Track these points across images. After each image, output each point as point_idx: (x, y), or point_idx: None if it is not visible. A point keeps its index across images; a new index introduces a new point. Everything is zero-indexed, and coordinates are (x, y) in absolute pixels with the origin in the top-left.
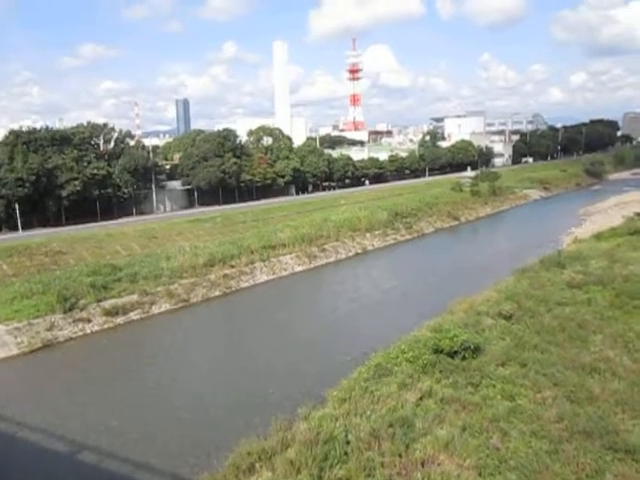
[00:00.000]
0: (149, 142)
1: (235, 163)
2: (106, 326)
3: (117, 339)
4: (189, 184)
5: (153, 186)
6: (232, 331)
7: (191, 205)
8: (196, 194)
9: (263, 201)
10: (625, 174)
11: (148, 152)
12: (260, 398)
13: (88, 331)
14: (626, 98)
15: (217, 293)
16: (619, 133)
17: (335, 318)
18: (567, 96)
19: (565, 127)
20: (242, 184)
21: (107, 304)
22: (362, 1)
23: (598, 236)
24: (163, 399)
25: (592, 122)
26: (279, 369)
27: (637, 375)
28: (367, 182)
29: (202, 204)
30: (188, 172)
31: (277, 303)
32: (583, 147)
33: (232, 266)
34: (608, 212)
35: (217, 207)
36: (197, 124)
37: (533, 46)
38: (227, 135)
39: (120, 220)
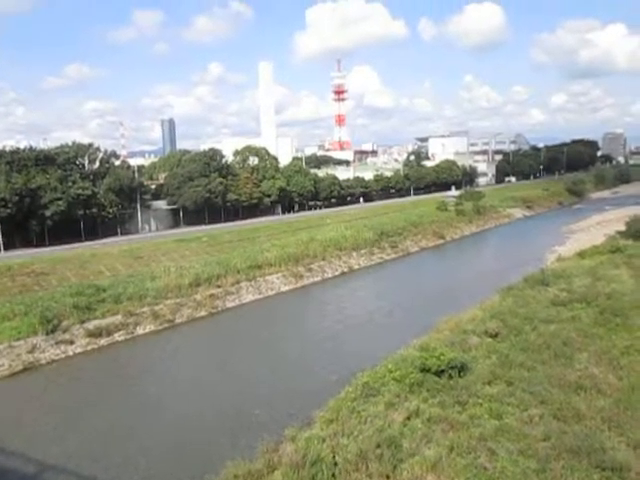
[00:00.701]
0: (134, 162)
1: (221, 183)
2: (89, 348)
3: (100, 361)
4: (175, 204)
5: (138, 206)
6: (218, 352)
7: (177, 225)
8: (182, 214)
9: (249, 220)
10: (606, 193)
11: (133, 172)
12: (246, 419)
13: (71, 353)
14: (605, 119)
15: (203, 313)
16: (599, 153)
17: (322, 337)
18: (548, 116)
19: (547, 147)
20: (228, 204)
21: (91, 325)
22: (346, 23)
23: (581, 254)
24: (147, 422)
25: (573, 142)
26: (265, 389)
27: (622, 392)
28: (362, 200)
29: (188, 224)
30: (174, 192)
31: (263, 323)
32: (565, 166)
33: (218, 286)
34: (590, 230)
35: (203, 227)
36: (183, 144)
37: (514, 68)
38: (213, 155)
39: (105, 240)
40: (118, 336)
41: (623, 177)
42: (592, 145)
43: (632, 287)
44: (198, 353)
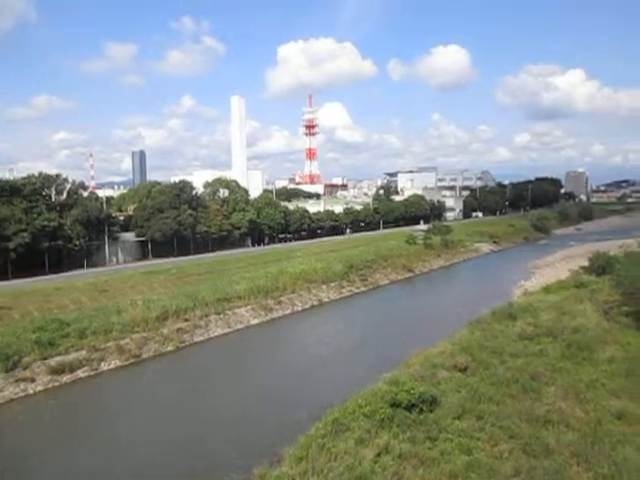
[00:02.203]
0: (103, 193)
1: (191, 215)
2: (51, 385)
3: (62, 400)
4: (143, 236)
5: (106, 238)
6: (184, 388)
7: (145, 257)
8: (150, 246)
9: (219, 253)
10: (570, 229)
11: (102, 203)
12: (214, 458)
13: (31, 391)
14: (567, 158)
15: (170, 348)
16: (562, 190)
17: (291, 373)
18: (513, 155)
19: (512, 184)
20: (198, 236)
21: (53, 361)
22: (316, 61)
23: (547, 289)
24: (109, 465)
25: (537, 180)
26: (233, 427)
27: (589, 426)
28: (348, 230)
29: (156, 256)
30: (143, 223)
31: (232, 358)
32: (530, 203)
33: (186, 319)
34: (555, 266)
35: (172, 259)
36: (153, 176)
37: (480, 108)
38: (183, 187)
39: (70, 273)
40: (82, 372)
41: (586, 214)
42: (556, 183)
43: (596, 321)
44: (164, 390)
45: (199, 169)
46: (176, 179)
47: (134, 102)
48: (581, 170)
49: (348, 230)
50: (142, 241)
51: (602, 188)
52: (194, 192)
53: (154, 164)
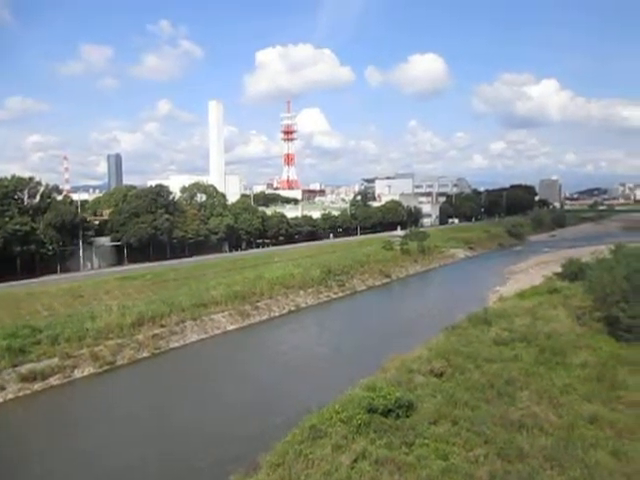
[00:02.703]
0: (78, 197)
1: (167, 219)
2: (22, 393)
3: (33, 408)
4: (119, 240)
5: (80, 242)
6: (159, 396)
7: (120, 262)
8: (126, 251)
9: (196, 258)
10: (544, 236)
11: (76, 207)
12: (190, 466)
13: (1, 400)
14: (541, 166)
15: (145, 354)
16: (536, 198)
17: (268, 379)
18: (488, 162)
19: (488, 191)
20: (174, 240)
21: (24, 369)
22: (295, 67)
23: (521, 294)
24: (79, 476)
25: (512, 187)
26: (210, 434)
27: (562, 431)
28: (331, 235)
29: (132, 261)
30: (118, 228)
31: (207, 365)
32: (505, 210)
33: (162, 325)
34: (529, 271)
35: (148, 264)
36: (129, 180)
37: (456, 115)
38: (160, 191)
39: (43, 278)
40: (54, 380)
41: (559, 221)
42: (530, 190)
43: (569, 327)
44: (139, 398)
45: (176, 173)
46: (153, 183)
47: (110, 105)
48: (554, 178)
49: (331, 235)
50: (117, 246)
51: (575, 196)
52: (171, 197)
53: (130, 168)
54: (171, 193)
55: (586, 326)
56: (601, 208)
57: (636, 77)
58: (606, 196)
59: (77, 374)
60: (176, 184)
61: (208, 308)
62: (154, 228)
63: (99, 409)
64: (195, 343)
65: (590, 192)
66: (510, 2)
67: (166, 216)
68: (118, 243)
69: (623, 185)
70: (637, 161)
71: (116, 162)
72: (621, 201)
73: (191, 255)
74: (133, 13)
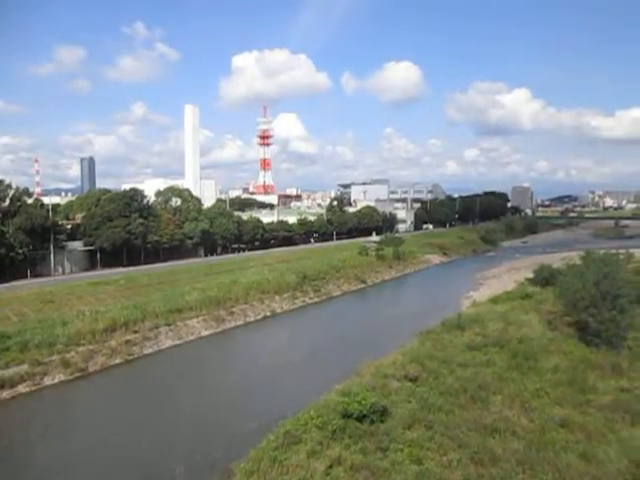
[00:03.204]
0: (49, 200)
1: (142, 224)
2: None
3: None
4: (92, 245)
5: (52, 246)
6: (132, 402)
7: (93, 267)
8: (99, 255)
9: (170, 263)
10: (516, 242)
11: (47, 211)
12: (164, 473)
13: None
14: (513, 173)
15: (118, 361)
16: (509, 204)
17: (243, 385)
18: (462, 169)
19: (462, 197)
20: (148, 245)
21: None
22: (271, 72)
23: (494, 300)
24: None
25: (485, 193)
26: (184, 441)
27: (534, 434)
28: (312, 240)
29: (105, 266)
30: (91, 232)
31: (181, 371)
32: (478, 216)
33: (135, 331)
34: (502, 277)
35: (121, 269)
36: (103, 183)
37: (431, 122)
38: (134, 195)
39: (13, 283)
40: (23, 388)
41: (531, 228)
42: (502, 197)
43: (541, 331)
44: (111, 405)
45: (151, 177)
46: (127, 187)
47: (83, 107)
48: (526, 185)
49: (312, 240)
50: (90, 250)
51: (546, 202)
52: (145, 201)
53: (104, 171)
54: (145, 197)
55: (557, 331)
56: (572, 215)
57: (605, 89)
58: (576, 203)
59: (47, 381)
60: (151, 188)
61: (182, 313)
62: (128, 232)
63: (66, 419)
64: (169, 349)
65: (561, 199)
66: (484, 13)
67: (140, 220)
68: (91, 248)
69: (593, 193)
70: (606, 169)
71: (89, 165)
72: (591, 208)
73: (165, 260)
74: (107, 14)
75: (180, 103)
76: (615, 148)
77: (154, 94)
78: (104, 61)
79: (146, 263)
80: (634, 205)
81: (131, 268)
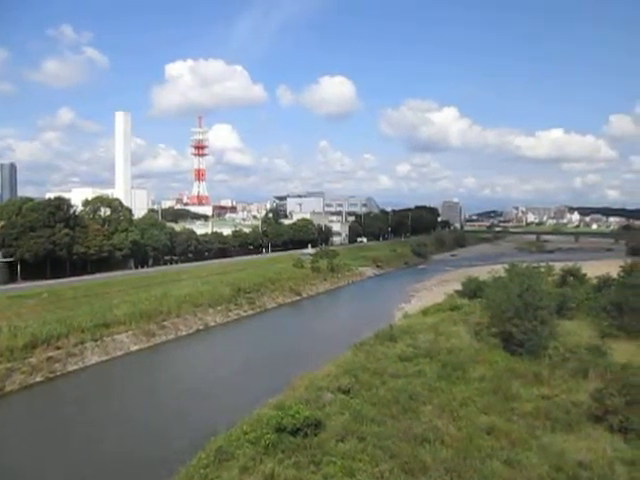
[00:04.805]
0: None
1: (67, 234)
2: None
3: None
4: (11, 256)
5: None
6: (53, 425)
7: (13, 279)
8: (19, 267)
9: (98, 275)
10: (446, 255)
11: None
12: None
13: None
14: (443, 189)
15: (39, 379)
16: (439, 219)
17: (172, 402)
18: (395, 183)
19: (394, 211)
20: (75, 257)
21: None
22: (206, 82)
23: (425, 311)
24: None
25: (417, 208)
26: (109, 464)
27: (462, 443)
28: (264, 250)
29: (26, 278)
30: (11, 242)
31: (106, 389)
32: (410, 229)
33: (58, 347)
34: (433, 289)
35: (44, 282)
36: (25, 191)
37: (364, 137)
38: (59, 204)
39: None
40: None
41: (460, 241)
42: (433, 211)
43: (468, 342)
44: (29, 428)
45: (78, 186)
46: (52, 195)
47: (4, 111)
48: (456, 200)
49: (264, 250)
50: (10, 262)
51: (474, 217)
52: (72, 210)
53: (26, 179)
54: (72, 206)
55: (483, 341)
56: (497, 229)
57: (526, 110)
58: (502, 218)
59: None
60: (78, 197)
61: (110, 328)
62: (52, 243)
63: None
64: (95, 365)
65: (488, 214)
66: (414, 33)
67: (66, 231)
68: (11, 259)
69: (516, 208)
70: (528, 186)
71: (10, 172)
72: (515, 223)
73: (94, 272)
74: (30, 15)
75: (111, 110)
76: (536, 166)
77: (83, 100)
78: (27, 64)
79: (72, 275)
80: (554, 221)
81: (56, 281)
